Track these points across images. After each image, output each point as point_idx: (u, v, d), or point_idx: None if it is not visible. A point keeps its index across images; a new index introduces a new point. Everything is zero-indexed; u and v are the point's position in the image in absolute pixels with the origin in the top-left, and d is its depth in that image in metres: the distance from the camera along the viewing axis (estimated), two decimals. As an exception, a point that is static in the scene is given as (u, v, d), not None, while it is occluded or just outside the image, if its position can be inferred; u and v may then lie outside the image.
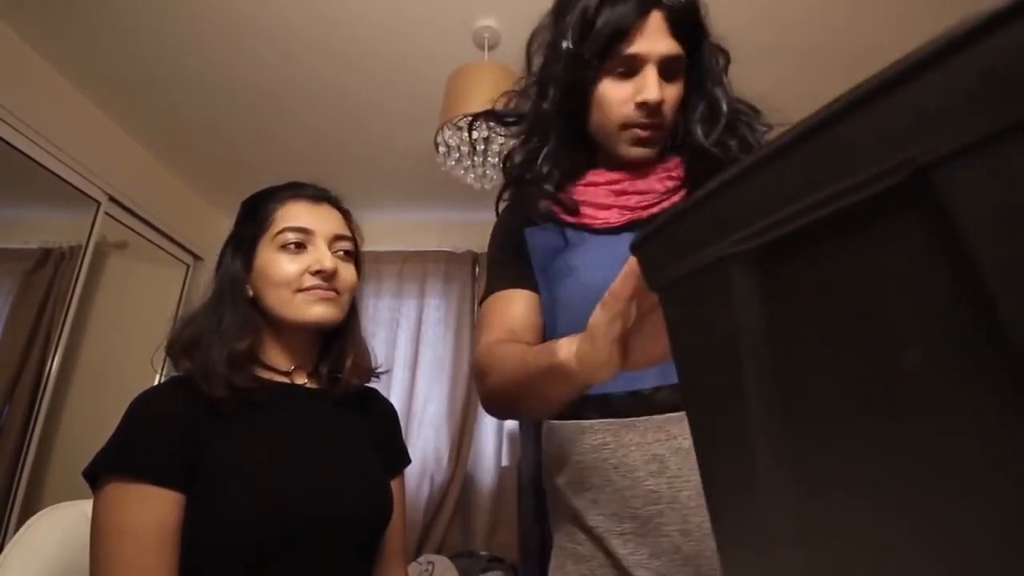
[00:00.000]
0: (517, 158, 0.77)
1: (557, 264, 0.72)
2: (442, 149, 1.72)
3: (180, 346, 0.75)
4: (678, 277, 0.31)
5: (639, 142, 0.69)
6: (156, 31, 1.87)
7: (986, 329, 0.17)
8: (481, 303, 0.78)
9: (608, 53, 0.65)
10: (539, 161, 0.74)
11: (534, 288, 0.74)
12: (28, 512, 1.93)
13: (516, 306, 0.73)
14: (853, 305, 0.22)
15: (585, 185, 0.73)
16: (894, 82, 0.19)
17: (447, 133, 1.67)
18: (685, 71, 0.68)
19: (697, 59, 0.69)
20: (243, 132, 2.42)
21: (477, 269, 2.96)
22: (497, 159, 1.73)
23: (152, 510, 0.64)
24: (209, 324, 0.76)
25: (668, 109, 0.68)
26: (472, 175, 1.78)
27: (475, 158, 1.72)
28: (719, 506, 0.31)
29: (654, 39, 0.65)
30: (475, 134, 1.65)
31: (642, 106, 0.66)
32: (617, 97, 0.67)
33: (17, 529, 0.75)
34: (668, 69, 0.66)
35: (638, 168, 0.72)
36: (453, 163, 1.75)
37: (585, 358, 0.48)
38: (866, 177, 0.20)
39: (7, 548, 0.72)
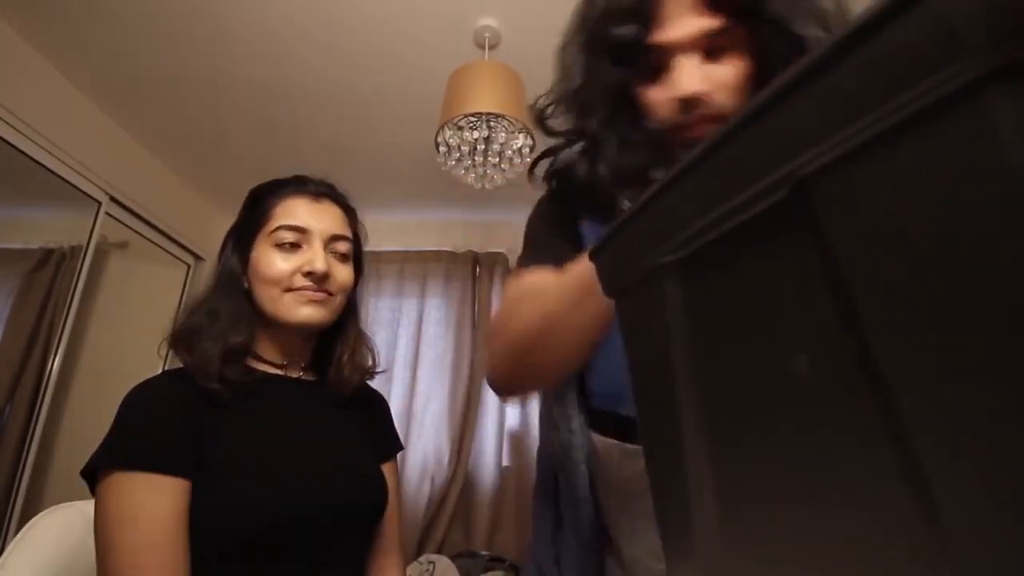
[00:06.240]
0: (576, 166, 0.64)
1: None
2: (443, 149, 1.72)
3: (179, 337, 0.75)
4: (625, 285, 0.33)
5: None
6: (157, 30, 1.87)
7: (855, 340, 0.18)
8: (516, 270, 0.66)
9: (635, 52, 0.55)
10: (600, 164, 0.60)
11: None
12: (29, 512, 1.93)
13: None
14: (755, 313, 0.24)
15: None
16: (773, 101, 0.20)
17: (447, 133, 1.67)
18: (748, 38, 0.54)
19: (763, 14, 0.53)
20: (244, 131, 2.42)
21: (478, 269, 2.96)
22: (497, 159, 1.73)
23: (161, 498, 0.63)
24: (206, 316, 0.76)
25: (722, 96, 0.53)
26: (472, 175, 1.78)
27: (475, 158, 1.72)
28: (659, 509, 0.33)
29: (678, 21, 0.53)
30: (475, 134, 1.65)
31: (686, 103, 0.53)
32: (655, 101, 0.56)
33: (18, 529, 0.75)
34: (711, 48, 0.53)
35: None
36: (453, 163, 1.75)
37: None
38: (757, 191, 0.21)
39: (8, 548, 0.72)
